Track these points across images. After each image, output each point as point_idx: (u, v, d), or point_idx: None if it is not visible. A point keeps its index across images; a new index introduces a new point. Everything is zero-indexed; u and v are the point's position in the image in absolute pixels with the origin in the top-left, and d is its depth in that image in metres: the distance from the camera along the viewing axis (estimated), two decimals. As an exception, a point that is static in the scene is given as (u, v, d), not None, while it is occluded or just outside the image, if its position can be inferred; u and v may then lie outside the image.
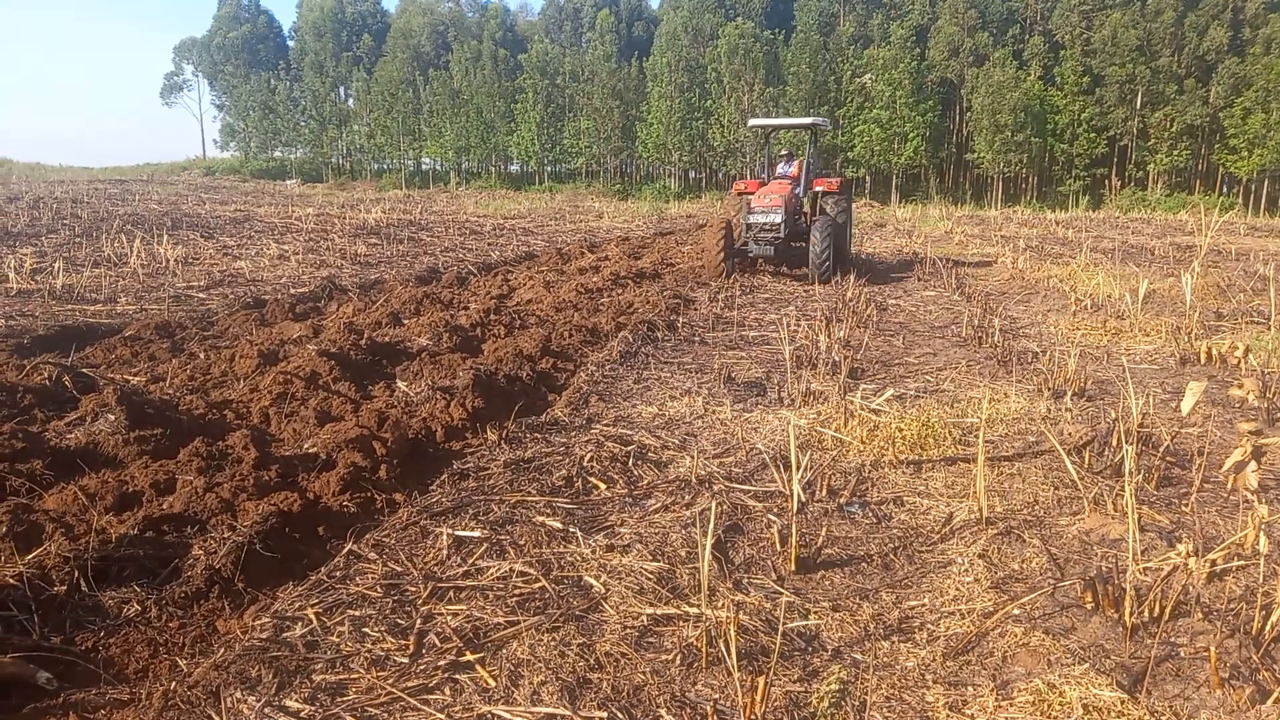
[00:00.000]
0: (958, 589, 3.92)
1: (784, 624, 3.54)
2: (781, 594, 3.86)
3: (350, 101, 78.85)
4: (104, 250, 16.25)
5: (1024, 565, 4.16)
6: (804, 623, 3.63)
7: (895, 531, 4.61)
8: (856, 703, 3.07)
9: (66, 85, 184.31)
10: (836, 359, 8.20)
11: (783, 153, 17.16)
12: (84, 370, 7.01)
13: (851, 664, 3.33)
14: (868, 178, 59.45)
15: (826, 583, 4.04)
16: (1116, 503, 4.68)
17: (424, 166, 74.43)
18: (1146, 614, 3.57)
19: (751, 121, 19.01)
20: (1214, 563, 3.86)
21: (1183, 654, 3.33)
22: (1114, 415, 5.89)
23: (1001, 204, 53.10)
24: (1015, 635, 3.48)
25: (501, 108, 66.66)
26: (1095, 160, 56.00)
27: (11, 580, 3.58)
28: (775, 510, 4.79)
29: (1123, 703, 2.98)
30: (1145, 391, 6.85)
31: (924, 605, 3.81)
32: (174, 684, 3.06)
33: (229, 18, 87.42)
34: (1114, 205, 51.16)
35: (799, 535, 4.41)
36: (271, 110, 76.70)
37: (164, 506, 4.56)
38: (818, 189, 16.03)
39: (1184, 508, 4.78)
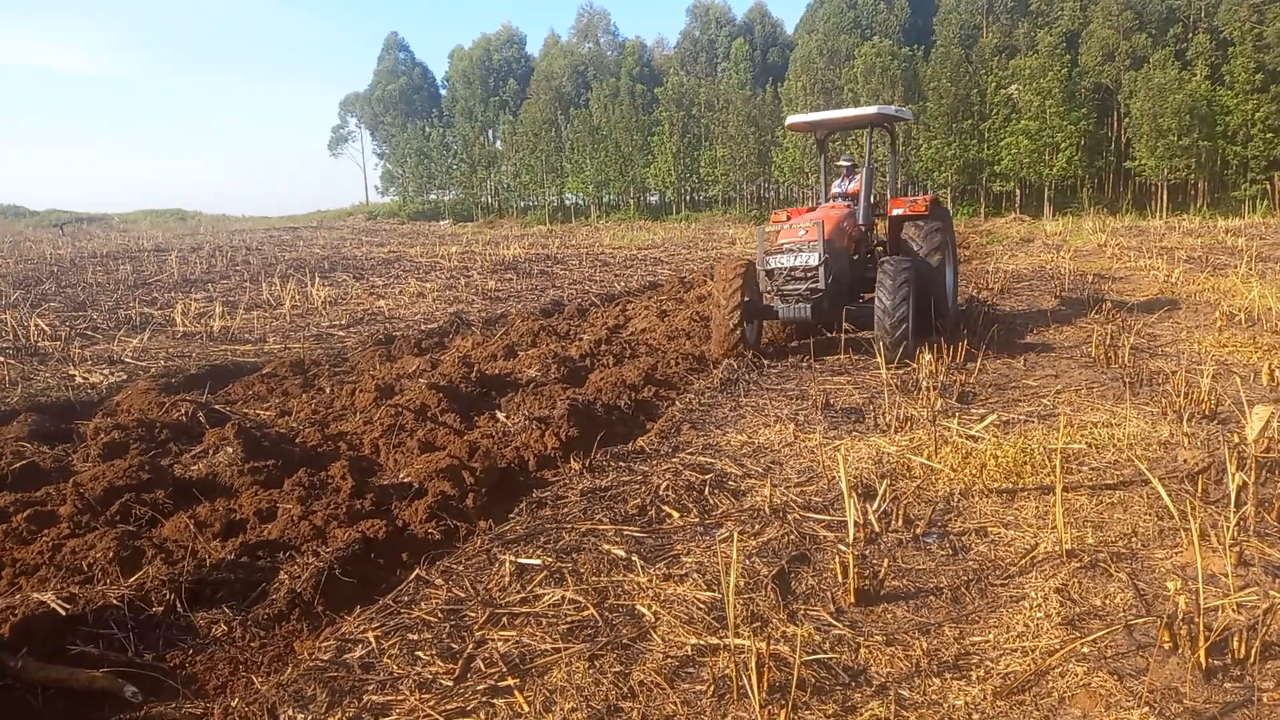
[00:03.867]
0: (1026, 624, 3.72)
1: (823, 657, 3.46)
2: (835, 627, 3.77)
3: (498, 143, 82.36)
4: (263, 294, 17.62)
5: (1106, 601, 3.89)
6: (852, 656, 3.53)
7: (971, 563, 4.41)
8: (889, 741, 2.97)
9: (249, 143, 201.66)
10: (944, 382, 7.92)
11: (842, 163, 11.83)
12: (216, 406, 7.64)
13: (895, 700, 3.21)
14: (1018, 191, 56.94)
15: (887, 616, 3.91)
16: (1222, 535, 4.32)
17: (566, 202, 76.68)
18: (1231, 656, 3.29)
19: (790, 120, 11.39)
20: (1318, 602, 3.50)
21: (1265, 700, 3.05)
22: (1236, 440, 5.43)
23: (1168, 213, 49.61)
24: (1077, 675, 3.27)
25: (639, 140, 68.02)
26: (1274, 162, 51.50)
27: (114, 601, 3.96)
28: (847, 541, 4.68)
29: (1178, 752, 2.75)
30: (1284, 413, 6.27)
31: (987, 641, 3.63)
32: (235, 700, 3.30)
33: (388, 72, 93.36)
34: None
35: (868, 567, 4.31)
36: (426, 156, 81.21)
37: (263, 533, 4.91)
38: (895, 212, 11.09)
39: (1305, 541, 4.35)
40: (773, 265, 9.62)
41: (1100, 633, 3.54)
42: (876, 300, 9.11)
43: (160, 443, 6.52)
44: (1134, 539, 4.55)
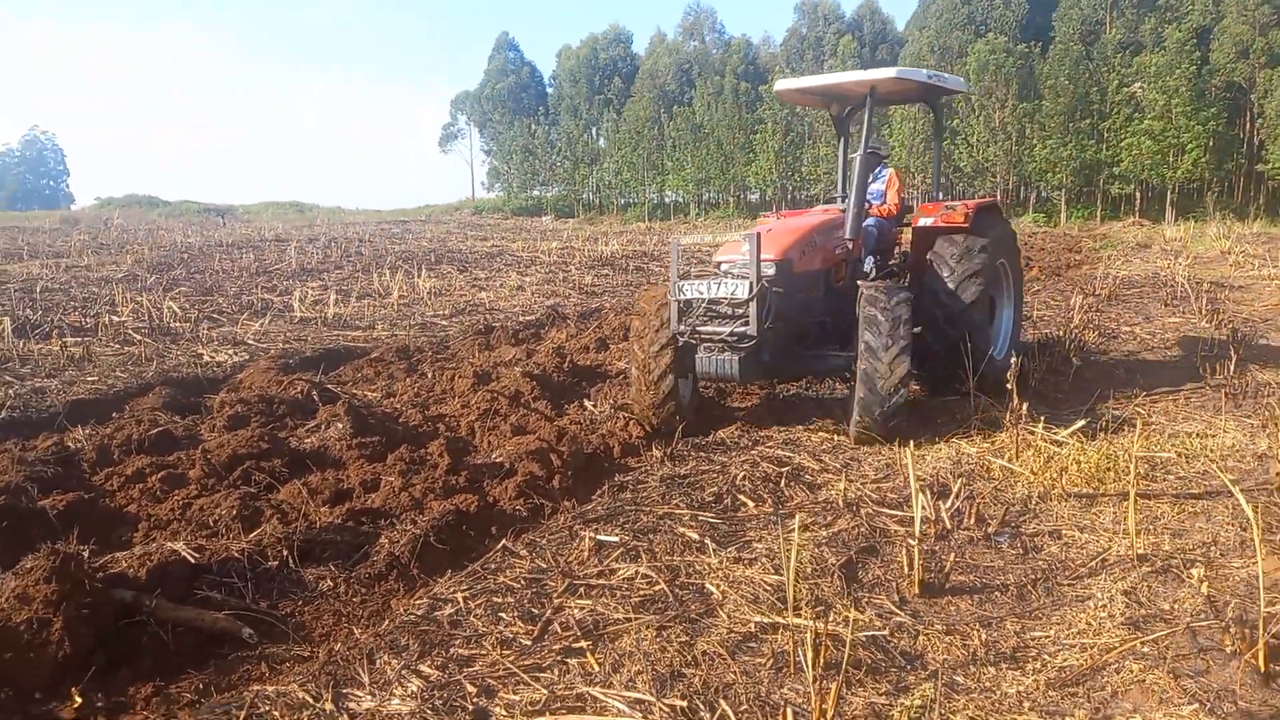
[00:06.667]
0: (1088, 622, 3.78)
1: (881, 640, 3.60)
2: (896, 615, 3.91)
3: (601, 141, 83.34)
4: (373, 283, 18.47)
5: (1174, 605, 3.91)
6: (910, 642, 3.66)
7: (1040, 563, 4.47)
8: (938, 720, 3.11)
9: (364, 139, 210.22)
10: (1035, 386, 7.85)
11: (858, 156, 7.76)
12: (328, 386, 8.19)
13: (948, 685, 3.34)
14: (1138, 194, 54.48)
15: (950, 608, 4.03)
16: (1305, 547, 4.26)
17: (666, 199, 77.02)
18: (1295, 664, 3.29)
19: (779, 84, 8.32)
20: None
21: (1324, 708, 3.06)
22: (1335, 453, 5.29)
23: (1303, 219, 46.69)
24: (1133, 671, 3.34)
25: (741, 139, 67.79)
26: None
27: (236, 554, 4.40)
28: (915, 535, 4.78)
29: (1223, 747, 2.81)
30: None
31: (1047, 636, 3.71)
32: (339, 645, 3.67)
33: (498, 71, 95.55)
34: None
35: (935, 561, 4.41)
36: (531, 153, 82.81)
37: (367, 502, 5.33)
38: (922, 223, 7.99)
39: (1396, 558, 4.25)
40: (689, 294, 6.59)
41: (1161, 633, 3.58)
42: (861, 351, 6.31)
43: (278, 417, 7.06)
44: (1213, 548, 4.52)
